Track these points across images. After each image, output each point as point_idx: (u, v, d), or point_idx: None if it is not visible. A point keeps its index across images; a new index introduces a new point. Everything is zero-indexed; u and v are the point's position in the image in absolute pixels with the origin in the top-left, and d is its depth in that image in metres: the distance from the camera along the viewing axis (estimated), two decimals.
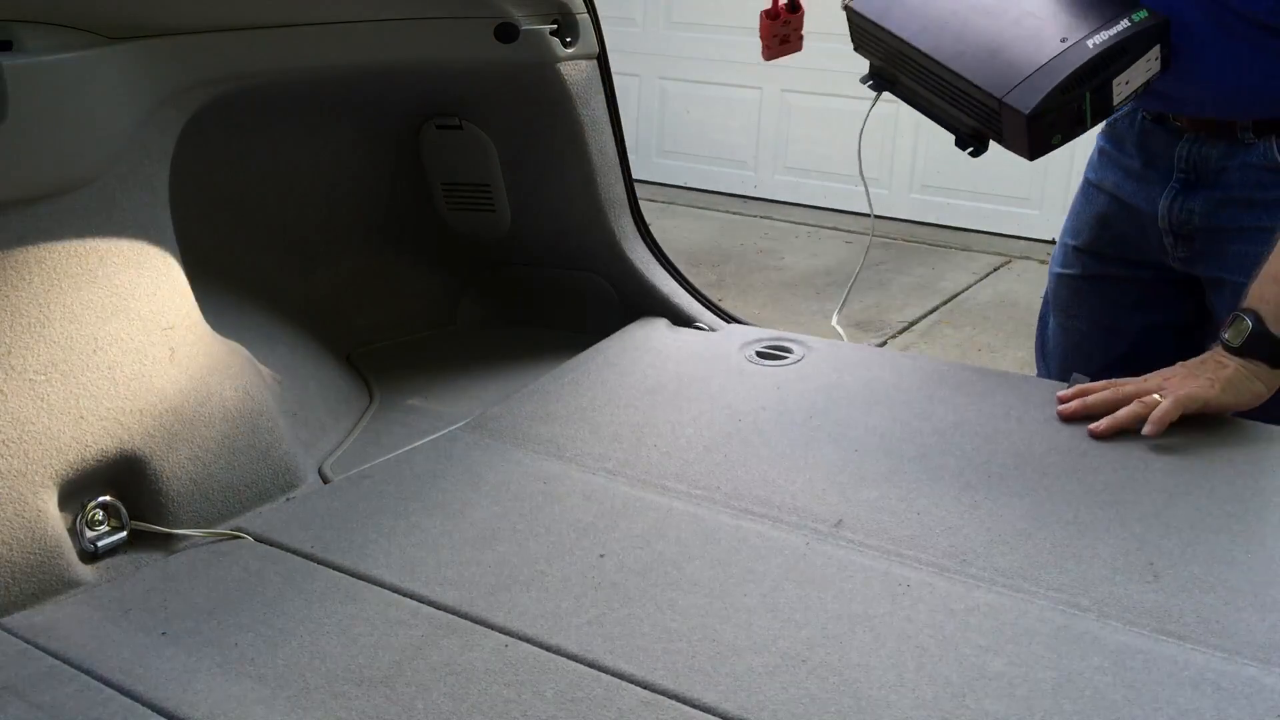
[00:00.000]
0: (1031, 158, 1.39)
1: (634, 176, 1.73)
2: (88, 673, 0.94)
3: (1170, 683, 0.93)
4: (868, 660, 0.96)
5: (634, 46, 6.35)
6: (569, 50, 1.56)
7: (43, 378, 1.09)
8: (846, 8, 1.50)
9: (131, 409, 1.15)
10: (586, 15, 1.58)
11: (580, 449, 1.35)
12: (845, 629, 1.00)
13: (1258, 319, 1.32)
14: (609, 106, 1.64)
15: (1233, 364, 1.34)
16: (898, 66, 1.49)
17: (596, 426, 1.39)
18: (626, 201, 1.71)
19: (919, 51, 1.43)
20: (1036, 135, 1.35)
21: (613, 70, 1.65)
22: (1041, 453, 1.27)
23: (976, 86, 1.37)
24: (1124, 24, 1.37)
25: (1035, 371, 1.81)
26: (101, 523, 1.13)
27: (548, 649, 0.97)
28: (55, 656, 0.96)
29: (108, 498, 1.13)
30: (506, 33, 1.50)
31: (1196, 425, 1.33)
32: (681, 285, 1.73)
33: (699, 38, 6.34)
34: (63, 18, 1.12)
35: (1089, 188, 1.69)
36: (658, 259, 1.73)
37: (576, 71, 1.58)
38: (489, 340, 1.76)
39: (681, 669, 0.94)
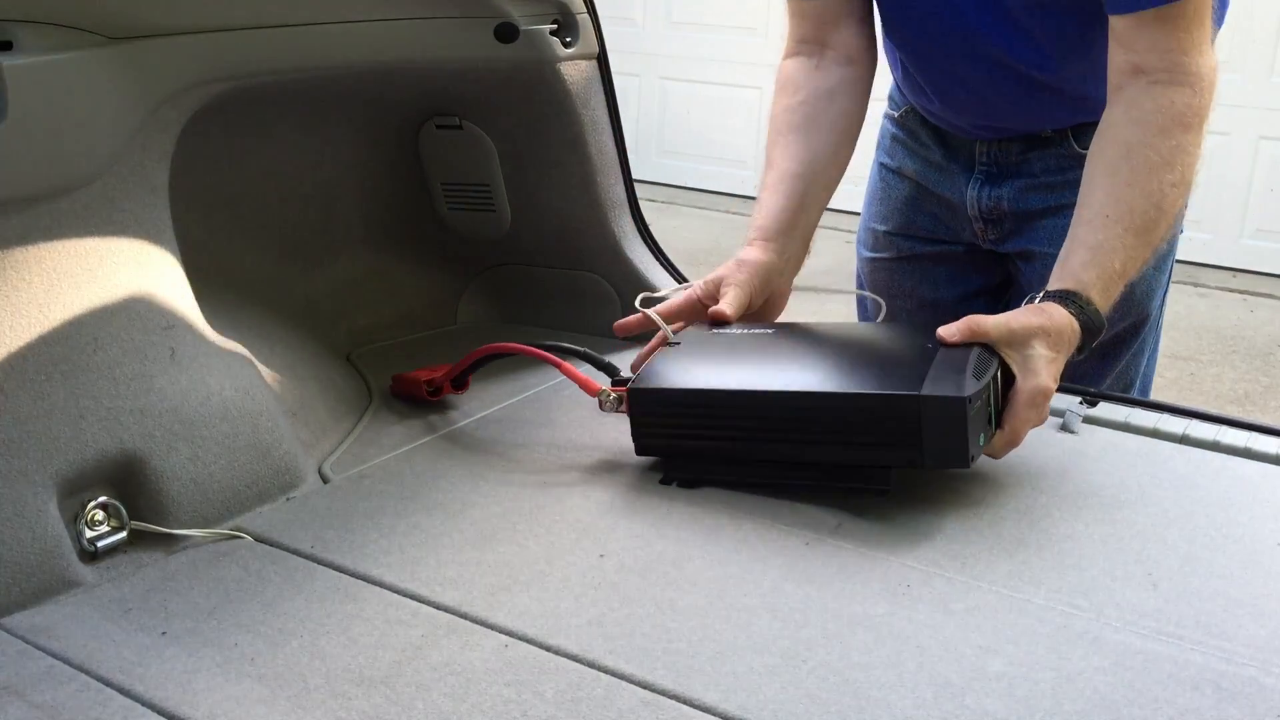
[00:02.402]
0: (968, 463, 1.15)
1: (634, 176, 1.73)
2: (88, 673, 0.94)
3: (1170, 683, 0.93)
4: (868, 660, 0.96)
5: (634, 46, 6.36)
6: (569, 50, 1.56)
7: (43, 377, 1.09)
8: (630, 391, 1.25)
9: (131, 409, 1.15)
10: (586, 15, 1.58)
11: (580, 451, 1.35)
12: (845, 629, 1.00)
13: (1095, 314, 1.25)
14: (609, 106, 1.64)
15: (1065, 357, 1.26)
16: (724, 438, 1.23)
17: (596, 433, 1.39)
18: (626, 201, 1.71)
19: (787, 395, 1.19)
20: (965, 429, 1.13)
21: (613, 70, 1.64)
22: (1036, 476, 1.27)
23: (885, 396, 1.16)
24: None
25: None
26: (101, 523, 1.13)
27: (548, 649, 0.97)
28: (55, 656, 0.96)
29: (107, 498, 1.13)
30: (506, 33, 1.50)
31: (1194, 453, 1.34)
32: None
33: (699, 38, 6.34)
34: (63, 18, 1.12)
35: (888, 173, 1.73)
36: (658, 259, 1.73)
37: (576, 71, 1.58)
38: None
39: (681, 669, 0.94)
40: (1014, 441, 1.22)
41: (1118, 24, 1.29)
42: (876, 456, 1.19)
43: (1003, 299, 1.72)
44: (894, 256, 1.73)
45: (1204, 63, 1.28)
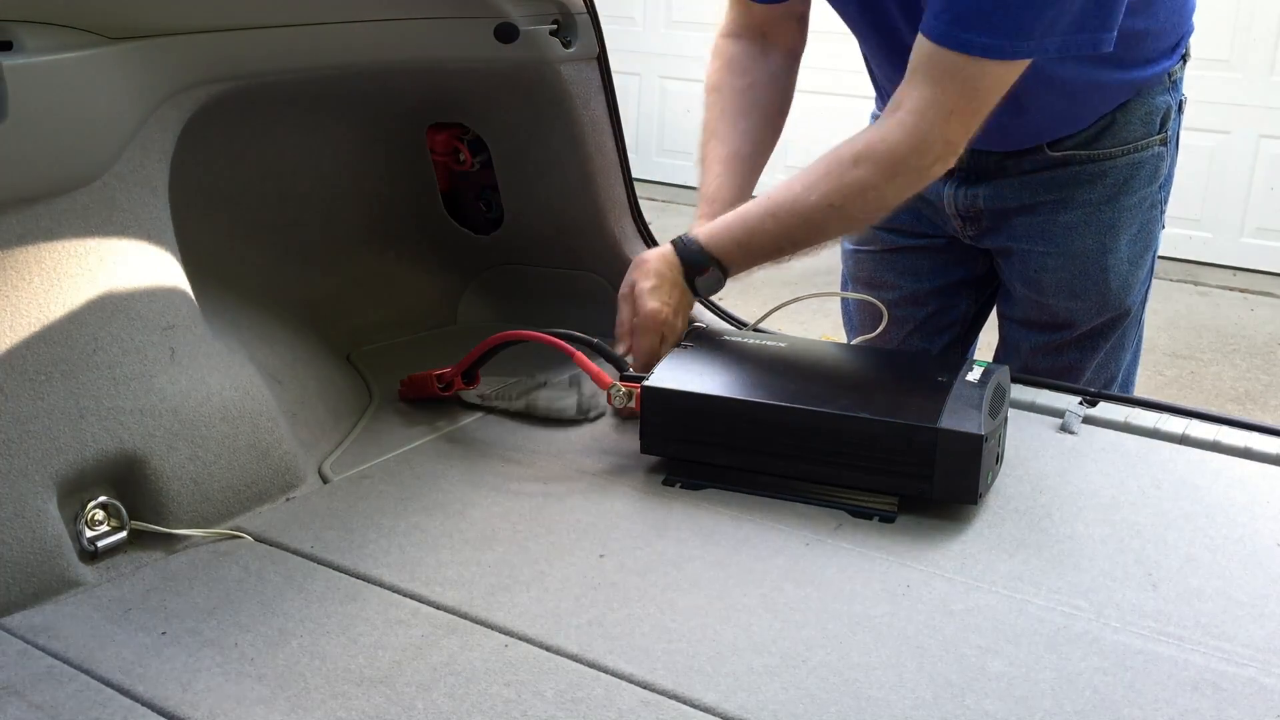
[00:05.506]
0: (976, 499, 1.18)
1: (634, 176, 1.73)
2: (88, 673, 0.94)
3: (1170, 683, 0.93)
4: (868, 660, 0.96)
5: (634, 46, 6.35)
6: (569, 50, 1.56)
7: (43, 377, 1.09)
8: (645, 389, 1.26)
9: (131, 409, 1.15)
10: (586, 15, 1.58)
11: (580, 451, 1.35)
12: (845, 629, 1.00)
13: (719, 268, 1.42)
14: (609, 107, 1.64)
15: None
16: (735, 447, 1.23)
17: (596, 433, 1.39)
18: (626, 201, 1.71)
19: (806, 413, 1.19)
20: (979, 465, 1.15)
21: (613, 70, 1.64)
22: (1036, 476, 1.27)
23: (904, 425, 1.16)
24: (979, 369, 1.26)
25: None
26: (101, 523, 1.13)
27: (548, 649, 0.97)
28: (55, 656, 0.96)
29: (107, 498, 1.13)
30: (506, 33, 1.50)
31: (1194, 453, 1.34)
32: None
33: (699, 37, 6.33)
34: (63, 18, 1.12)
35: None
36: None
37: (576, 71, 1.58)
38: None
39: (681, 669, 0.94)
40: (638, 354, 1.40)
41: (913, 49, 1.31)
42: (885, 483, 1.20)
43: (987, 290, 1.73)
44: (877, 249, 1.75)
45: (939, 125, 1.29)
